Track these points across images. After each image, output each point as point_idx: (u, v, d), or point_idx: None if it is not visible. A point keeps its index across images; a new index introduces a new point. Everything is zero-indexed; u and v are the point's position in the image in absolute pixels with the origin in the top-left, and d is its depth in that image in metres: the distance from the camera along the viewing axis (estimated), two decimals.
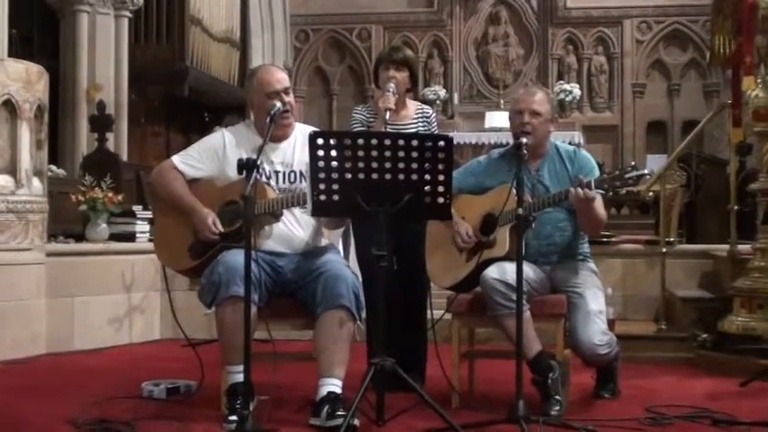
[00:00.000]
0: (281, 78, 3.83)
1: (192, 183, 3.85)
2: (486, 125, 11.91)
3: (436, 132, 4.49)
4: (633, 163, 3.72)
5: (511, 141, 3.86)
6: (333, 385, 3.49)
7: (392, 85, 4.25)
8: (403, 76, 4.33)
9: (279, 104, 3.72)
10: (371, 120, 4.36)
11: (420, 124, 4.42)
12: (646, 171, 3.67)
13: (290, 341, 4.18)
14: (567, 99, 12.56)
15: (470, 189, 4.06)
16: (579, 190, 3.63)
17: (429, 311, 4.15)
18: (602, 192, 3.68)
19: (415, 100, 4.56)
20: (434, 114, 4.57)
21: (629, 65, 12.93)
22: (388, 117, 4.13)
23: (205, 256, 3.72)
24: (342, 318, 3.53)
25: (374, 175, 3.32)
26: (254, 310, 3.42)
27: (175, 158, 3.90)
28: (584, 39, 13.04)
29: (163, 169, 3.89)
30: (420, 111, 4.48)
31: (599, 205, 3.78)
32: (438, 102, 12.75)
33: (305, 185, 3.64)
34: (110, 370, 4.99)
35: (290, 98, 3.82)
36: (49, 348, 5.55)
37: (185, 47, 9.86)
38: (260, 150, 3.42)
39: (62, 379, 4.70)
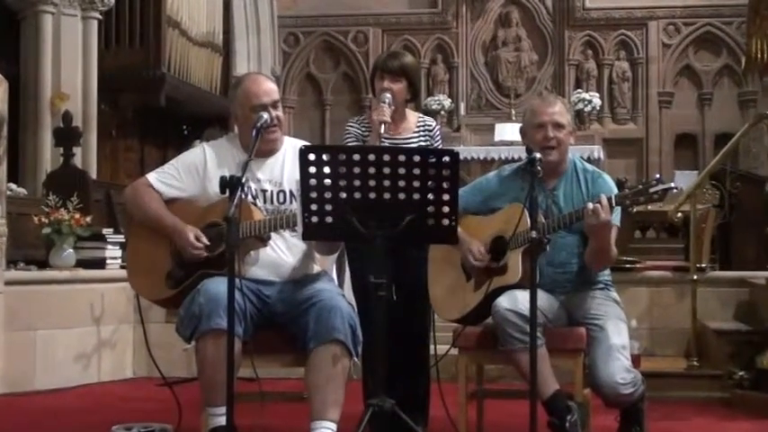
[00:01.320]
0: (269, 90, 3.86)
1: (169, 203, 3.86)
2: (496, 138, 11.96)
3: (440, 146, 4.51)
4: (658, 176, 3.75)
5: (523, 156, 3.89)
6: (326, 429, 3.49)
7: (387, 95, 4.27)
8: (399, 86, 4.35)
9: (266, 116, 3.74)
10: (366, 134, 4.38)
11: (422, 138, 4.44)
12: (673, 185, 3.70)
13: (278, 379, 4.18)
14: (586, 109, 12.62)
15: (478, 209, 4.08)
16: (594, 205, 3.65)
17: (433, 346, 4.16)
18: (617, 224, 3.70)
19: (416, 111, 4.59)
20: (438, 127, 4.60)
21: (655, 72, 12.98)
22: (383, 131, 4.16)
23: (184, 284, 3.73)
24: (336, 353, 3.54)
25: (372, 195, 3.33)
26: (238, 344, 3.42)
27: (151, 176, 3.92)
28: (604, 43, 13.09)
29: (137, 188, 3.91)
30: (422, 123, 4.50)
31: (612, 237, 3.81)
32: (442, 112, 12.81)
33: (295, 206, 3.66)
34: (76, 412, 4.99)
35: (278, 112, 3.85)
36: (7, 388, 5.54)
37: (161, 51, 9.91)
38: (245, 167, 3.43)
39: (21, 423, 4.69)
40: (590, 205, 3.69)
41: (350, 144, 4.34)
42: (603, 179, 4.05)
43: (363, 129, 4.42)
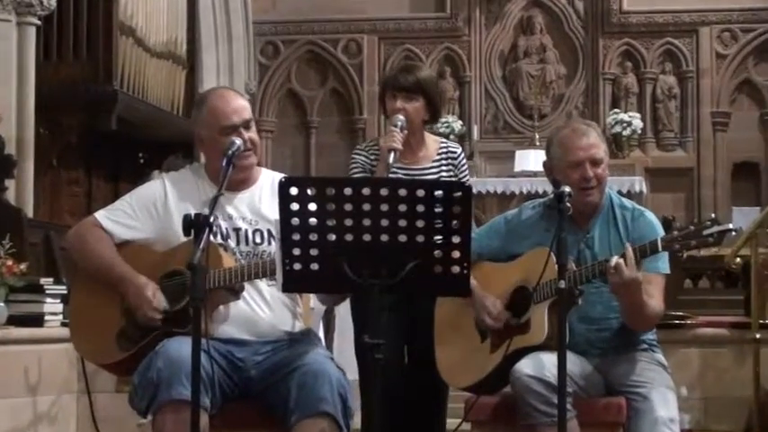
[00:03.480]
0: (240, 108, 3.89)
1: (122, 247, 3.88)
2: (517, 168, 12.00)
3: (467, 179, 4.53)
4: (713, 215, 3.76)
5: (549, 190, 3.91)
6: None
7: (400, 118, 4.30)
8: (415, 106, 4.38)
9: (238, 142, 3.76)
10: (375, 162, 4.41)
11: (444, 168, 4.47)
12: (730, 225, 3.71)
13: None
14: (625, 133, 12.65)
15: (495, 255, 4.10)
16: (618, 260, 3.66)
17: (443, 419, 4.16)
18: (666, 271, 3.71)
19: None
20: (464, 155, 4.61)
21: (708, 87, 13.03)
22: (392, 159, 4.18)
23: (139, 346, 3.73)
24: (324, 428, 3.53)
25: (366, 237, 3.33)
26: (204, 418, 3.42)
27: (100, 214, 3.93)
28: (646, 53, 13.16)
29: (83, 229, 3.92)
30: (444, 150, 4.52)
31: (653, 292, 3.83)
32: (452, 136, 12.72)
33: (274, 248, 3.68)
34: None
35: (251, 134, 3.87)
36: None
37: (113, 64, 9.92)
38: (213, 202, 3.44)
39: None
40: (614, 260, 3.70)
41: (353, 175, 4.36)
42: (646, 218, 4.06)
43: (372, 157, 4.44)
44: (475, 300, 3.95)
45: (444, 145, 4.54)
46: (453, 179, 4.40)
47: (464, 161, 4.54)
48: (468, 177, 4.55)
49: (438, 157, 4.47)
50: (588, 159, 3.97)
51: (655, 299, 3.87)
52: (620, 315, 3.93)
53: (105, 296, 3.82)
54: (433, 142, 4.53)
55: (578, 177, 3.96)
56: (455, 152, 4.52)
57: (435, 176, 4.39)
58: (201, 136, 3.93)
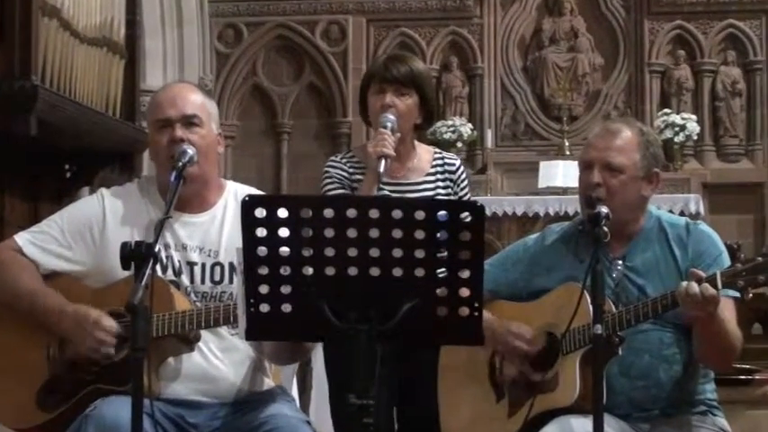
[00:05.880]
0: (182, 99, 3.92)
1: (48, 281, 3.88)
2: (541, 184, 12.02)
3: (467, 197, 4.55)
4: None
5: (579, 211, 3.93)
6: None
7: (390, 117, 4.33)
8: (408, 103, 4.42)
9: (191, 151, 3.78)
10: (357, 176, 4.44)
11: (440, 183, 4.50)
12: None
13: None
14: (677, 140, 12.64)
15: (513, 292, 4.13)
16: (693, 285, 3.66)
17: None
18: (736, 294, 3.73)
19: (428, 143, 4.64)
20: (463, 168, 4.63)
21: None
22: (383, 169, 4.20)
23: (66, 406, 3.73)
24: None
25: (352, 270, 3.33)
26: None
27: (21, 238, 3.95)
28: (704, 39, 13.18)
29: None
30: (439, 160, 4.56)
31: (729, 317, 3.83)
32: (460, 144, 12.78)
33: (237, 288, 3.68)
34: None
35: (191, 134, 3.86)
36: None
37: (32, 53, 9.95)
38: (159, 227, 3.45)
39: None
40: (682, 287, 3.70)
41: (332, 191, 4.37)
42: (701, 231, 4.09)
43: (352, 169, 4.47)
44: (494, 332, 3.95)
45: (439, 156, 4.57)
46: (451, 195, 4.42)
47: (464, 176, 4.56)
48: (468, 197, 4.57)
49: (432, 171, 4.50)
50: (600, 162, 3.97)
51: (733, 323, 3.86)
52: (696, 350, 3.93)
53: (25, 339, 3.84)
54: (425, 152, 4.56)
55: (585, 183, 3.98)
56: (453, 164, 4.55)
57: (431, 193, 4.40)
58: (148, 139, 3.97)
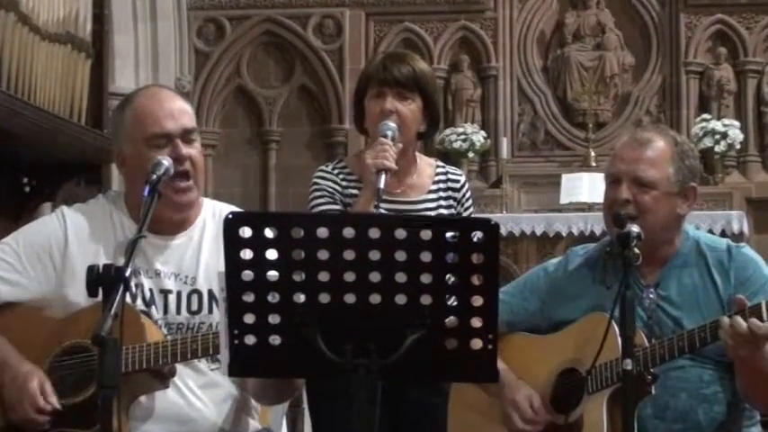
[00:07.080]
0: (178, 111, 3.92)
1: (3, 311, 3.89)
2: (564, 199, 12.04)
3: (471, 216, 4.54)
4: None
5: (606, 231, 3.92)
6: None
7: (392, 125, 4.34)
8: (411, 108, 4.43)
9: (166, 163, 3.76)
10: (351, 190, 4.44)
11: (442, 203, 4.51)
12: None
13: None
14: (718, 149, 12.65)
15: (532, 323, 4.12)
16: (739, 320, 3.65)
17: None
18: None
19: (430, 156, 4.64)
20: (468, 185, 4.63)
21: None
22: (382, 184, 4.20)
23: None
24: None
25: (350, 298, 3.33)
26: None
27: None
28: (748, 35, 13.20)
29: None
30: (442, 176, 4.58)
31: None
32: (471, 154, 12.83)
33: (217, 318, 3.65)
34: None
35: (191, 150, 3.86)
36: None
37: None
38: (131, 249, 3.43)
39: None
40: (724, 322, 3.68)
41: (320, 209, 4.36)
42: (744, 254, 4.08)
43: (345, 182, 4.48)
44: (502, 389, 3.94)
45: (443, 170, 4.59)
46: (456, 215, 4.44)
47: (468, 194, 4.59)
48: (473, 211, 4.58)
49: (435, 188, 4.53)
50: (628, 176, 3.98)
51: None
52: (739, 385, 3.92)
53: None
54: (426, 166, 4.58)
55: (609, 199, 3.98)
56: (458, 180, 4.57)
57: (434, 212, 4.41)
58: (123, 153, 3.95)
